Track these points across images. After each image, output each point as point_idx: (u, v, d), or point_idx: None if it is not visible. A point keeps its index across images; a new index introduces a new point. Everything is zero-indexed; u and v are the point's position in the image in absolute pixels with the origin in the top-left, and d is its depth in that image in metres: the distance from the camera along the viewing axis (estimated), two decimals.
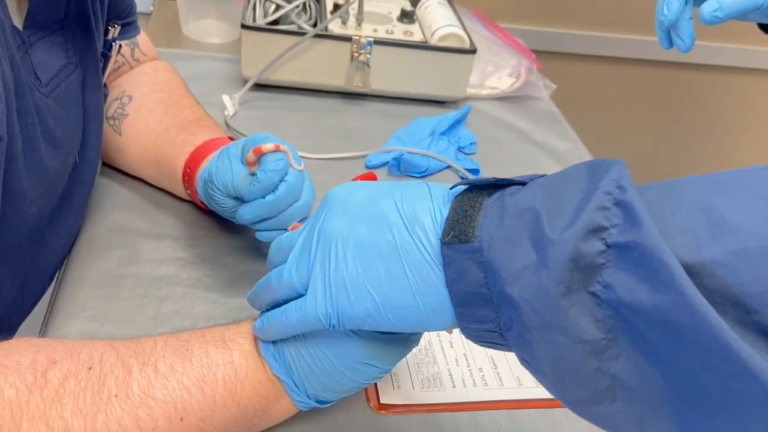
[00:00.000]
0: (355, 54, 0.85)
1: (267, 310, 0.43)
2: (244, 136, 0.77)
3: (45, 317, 0.54)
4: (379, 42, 0.85)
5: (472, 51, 0.88)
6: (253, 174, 0.53)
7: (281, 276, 0.39)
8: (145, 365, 0.40)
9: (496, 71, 0.96)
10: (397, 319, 0.36)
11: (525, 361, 0.33)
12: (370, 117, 0.89)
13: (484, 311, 0.33)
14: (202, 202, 0.61)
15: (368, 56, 0.85)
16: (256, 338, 0.43)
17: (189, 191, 0.62)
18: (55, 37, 0.52)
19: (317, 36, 0.84)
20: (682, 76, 1.28)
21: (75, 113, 0.54)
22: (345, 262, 0.36)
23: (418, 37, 0.91)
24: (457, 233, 0.33)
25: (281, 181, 0.52)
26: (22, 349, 0.39)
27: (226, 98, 0.83)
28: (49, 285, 0.57)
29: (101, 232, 0.61)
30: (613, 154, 1.05)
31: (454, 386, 0.52)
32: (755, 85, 1.36)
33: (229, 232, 0.64)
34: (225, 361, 0.41)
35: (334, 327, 0.37)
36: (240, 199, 0.55)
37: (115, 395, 0.38)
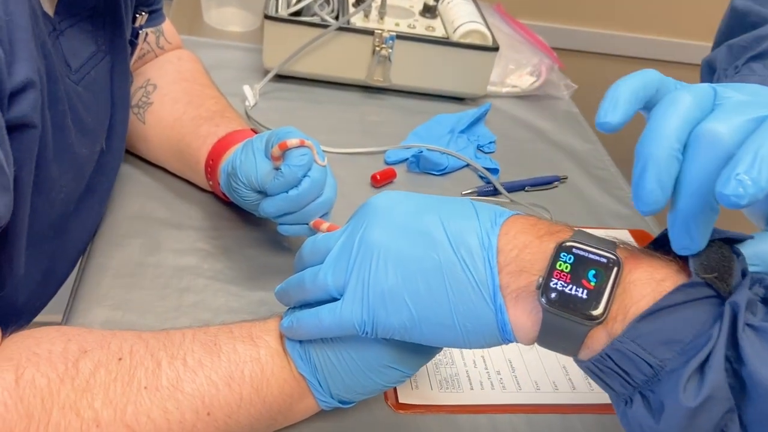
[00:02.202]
0: (377, 48, 0.85)
1: (295, 308, 0.43)
2: (265, 127, 0.77)
3: (68, 304, 0.54)
4: (401, 36, 0.85)
5: (495, 48, 0.88)
6: (277, 168, 0.53)
7: (316, 277, 0.39)
8: (174, 358, 0.40)
9: (518, 69, 0.95)
10: (431, 334, 0.37)
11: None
12: (389, 112, 0.88)
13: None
14: (223, 194, 0.61)
15: (390, 50, 0.85)
16: (282, 336, 0.43)
17: (211, 182, 0.62)
18: (85, 25, 0.51)
19: (339, 29, 0.84)
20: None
21: (103, 101, 0.54)
22: (385, 274, 0.36)
23: (440, 32, 0.90)
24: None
25: (305, 176, 0.52)
26: (53, 338, 0.39)
27: (247, 89, 0.83)
28: (71, 271, 0.58)
29: (123, 220, 0.62)
30: (632, 156, 1.04)
31: (471, 388, 0.52)
32: None
33: (249, 224, 0.64)
34: (252, 357, 0.42)
35: (366, 334, 0.38)
36: (263, 193, 0.55)
37: (145, 387, 0.38)
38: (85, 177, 0.53)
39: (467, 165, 0.79)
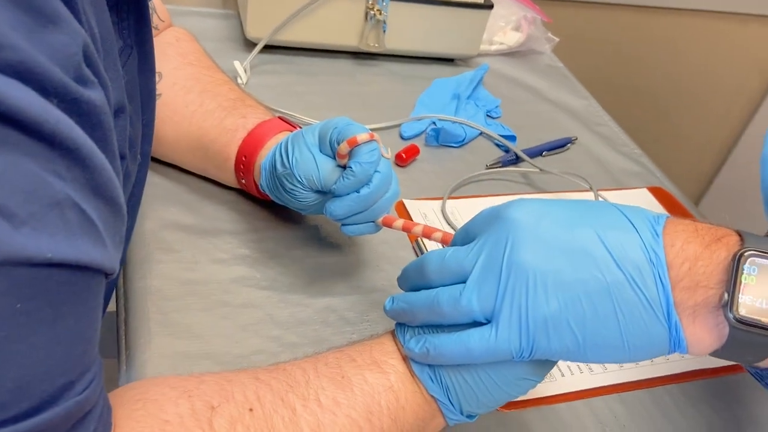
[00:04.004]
0: (371, 11, 0.79)
1: (412, 327, 0.40)
2: (266, 107, 0.71)
3: (120, 337, 0.48)
4: None
5: (489, 6, 0.84)
6: (342, 166, 0.49)
7: (458, 302, 0.36)
8: (307, 400, 0.36)
9: (505, 25, 0.93)
10: (596, 355, 0.35)
11: None
12: (384, 79, 0.84)
13: None
14: (260, 192, 0.56)
15: (385, 14, 0.80)
16: (405, 357, 0.40)
17: (244, 180, 0.57)
18: (111, 16, 0.44)
19: None
20: (682, 21, 1.26)
21: (136, 105, 0.47)
22: (546, 299, 0.34)
23: None
24: None
25: (375, 172, 0.48)
26: (173, 397, 0.34)
27: (237, 64, 0.75)
28: (110, 297, 0.51)
29: (150, 231, 0.55)
30: (622, 110, 1.04)
31: (563, 375, 0.51)
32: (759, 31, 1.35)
33: (288, 222, 0.59)
34: (385, 387, 0.38)
35: (522, 359, 0.35)
36: (323, 193, 0.50)
37: None
38: (127, 194, 0.46)
39: (482, 133, 0.76)
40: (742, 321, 0.32)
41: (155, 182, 0.60)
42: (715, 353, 0.34)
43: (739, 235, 0.34)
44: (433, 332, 0.38)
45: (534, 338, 0.35)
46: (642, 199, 0.73)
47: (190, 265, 0.53)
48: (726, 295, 0.32)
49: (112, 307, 0.51)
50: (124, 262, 0.52)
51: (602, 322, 0.34)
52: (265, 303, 0.52)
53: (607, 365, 0.53)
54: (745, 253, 0.33)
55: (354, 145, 0.47)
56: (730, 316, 0.32)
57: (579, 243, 0.35)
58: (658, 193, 0.74)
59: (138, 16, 0.46)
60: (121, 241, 0.31)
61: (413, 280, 0.41)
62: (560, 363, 0.52)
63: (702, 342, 0.34)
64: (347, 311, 0.53)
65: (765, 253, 0.33)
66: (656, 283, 0.33)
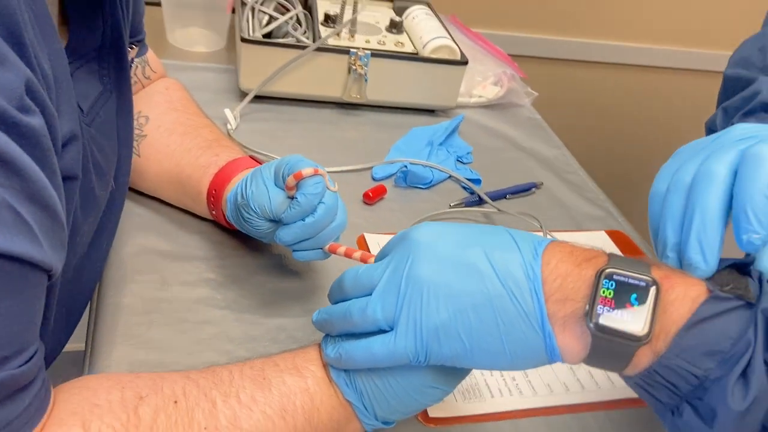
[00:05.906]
0: (353, 66, 0.87)
1: (334, 336, 0.45)
2: (251, 150, 0.78)
3: (87, 346, 0.54)
4: (375, 54, 0.87)
5: (464, 62, 0.91)
6: (291, 197, 0.55)
7: (365, 312, 0.41)
8: (228, 396, 0.41)
9: (483, 80, 0.99)
10: (482, 361, 0.39)
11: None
12: (366, 127, 0.90)
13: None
14: (227, 222, 0.62)
15: (365, 68, 0.87)
16: (326, 365, 0.45)
17: (214, 212, 0.63)
18: (91, 65, 0.51)
19: (315, 49, 0.85)
20: (653, 78, 1.32)
21: (112, 141, 0.54)
22: (437, 309, 0.39)
23: (408, 47, 0.93)
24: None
25: (319, 203, 0.54)
26: (108, 387, 0.40)
27: (227, 112, 0.83)
28: (83, 314, 0.57)
29: (128, 255, 0.61)
30: (596, 159, 1.08)
31: (492, 396, 0.55)
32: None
33: (254, 251, 0.65)
34: (301, 389, 0.43)
35: (419, 363, 0.40)
36: (276, 222, 0.56)
37: (205, 428, 0.39)
38: (99, 218, 0.53)
39: (450, 177, 0.82)
40: (599, 329, 0.36)
41: (138, 212, 0.67)
42: (585, 361, 0.38)
43: (608, 257, 0.39)
44: (347, 340, 0.43)
45: (427, 344, 0.39)
46: (599, 241, 0.77)
47: (160, 285, 0.59)
48: (587, 307, 0.37)
49: (79, 345, 0.56)
50: (99, 281, 0.59)
51: (486, 330, 0.38)
52: (221, 321, 0.57)
53: (536, 389, 0.56)
54: (606, 270, 0.37)
55: (299, 179, 0.53)
56: (590, 324, 0.36)
57: (468, 259, 0.39)
58: (616, 236, 0.78)
59: (118, 65, 0.54)
60: (63, 246, 0.37)
61: (335, 294, 0.46)
62: (491, 384, 0.56)
63: (573, 350, 0.38)
64: (297, 331, 0.58)
65: (622, 271, 0.37)
66: (532, 296, 0.38)
